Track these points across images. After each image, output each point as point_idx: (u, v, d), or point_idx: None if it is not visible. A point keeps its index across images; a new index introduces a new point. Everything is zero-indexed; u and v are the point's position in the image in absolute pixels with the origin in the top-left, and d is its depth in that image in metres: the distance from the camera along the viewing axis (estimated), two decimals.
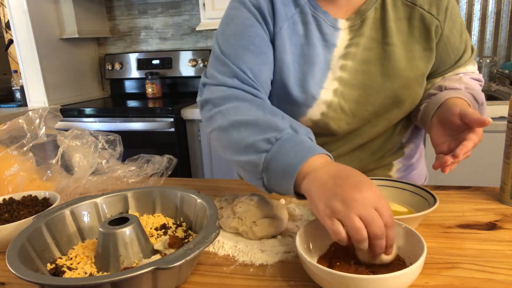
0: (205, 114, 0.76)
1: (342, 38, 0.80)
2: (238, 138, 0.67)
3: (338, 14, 0.80)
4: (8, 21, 2.58)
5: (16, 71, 2.60)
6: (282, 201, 0.82)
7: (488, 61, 2.26)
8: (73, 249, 0.63)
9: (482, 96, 0.82)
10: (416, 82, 0.81)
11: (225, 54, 0.77)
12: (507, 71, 2.13)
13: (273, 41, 0.79)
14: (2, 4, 2.89)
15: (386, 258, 0.53)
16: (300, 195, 0.60)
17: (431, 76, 0.86)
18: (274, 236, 0.68)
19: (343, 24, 0.80)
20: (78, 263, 0.59)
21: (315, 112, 0.80)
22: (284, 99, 0.81)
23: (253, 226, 0.67)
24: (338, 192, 0.51)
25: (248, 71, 0.75)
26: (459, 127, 0.69)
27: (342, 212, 0.49)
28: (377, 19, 0.79)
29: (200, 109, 0.78)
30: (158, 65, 2.68)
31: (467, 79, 0.84)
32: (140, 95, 2.78)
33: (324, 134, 0.84)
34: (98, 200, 0.69)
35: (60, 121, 0.93)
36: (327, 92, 0.79)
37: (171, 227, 0.68)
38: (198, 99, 0.79)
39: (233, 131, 0.68)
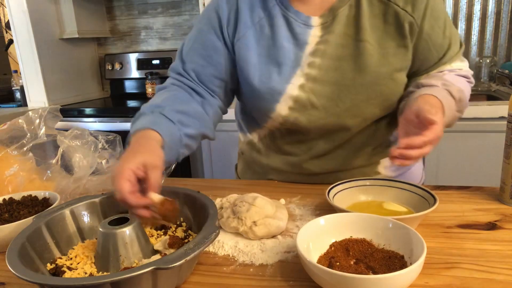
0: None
1: (313, 35, 0.82)
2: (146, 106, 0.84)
3: (312, 12, 0.82)
4: (8, 21, 2.58)
5: (16, 71, 2.60)
6: (282, 201, 0.82)
7: (488, 61, 2.26)
8: (73, 249, 0.63)
9: (461, 93, 0.80)
10: (389, 78, 0.81)
11: (182, 52, 0.91)
12: (507, 71, 2.13)
13: (233, 46, 0.87)
14: (2, 4, 2.89)
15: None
16: None
17: (415, 74, 0.86)
18: (274, 236, 0.68)
19: (315, 21, 0.82)
20: (78, 263, 0.59)
21: (282, 107, 0.84)
22: (253, 96, 0.87)
23: (253, 226, 0.67)
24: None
25: (191, 71, 0.88)
26: (416, 125, 0.69)
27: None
28: (351, 16, 0.81)
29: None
30: (158, 65, 2.68)
31: (450, 76, 0.83)
32: (140, 95, 2.78)
33: (299, 131, 0.87)
34: (98, 200, 0.69)
35: (60, 121, 0.93)
36: (293, 87, 0.82)
37: (171, 227, 0.68)
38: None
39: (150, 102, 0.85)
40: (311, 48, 0.82)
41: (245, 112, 0.99)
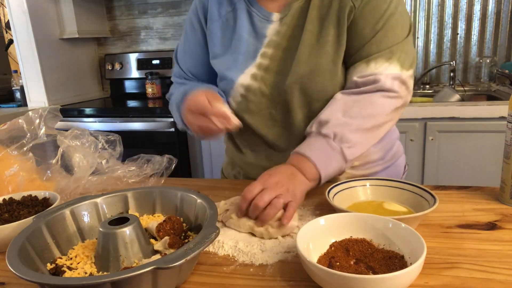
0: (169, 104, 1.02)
1: (272, 29, 0.86)
2: (172, 104, 0.98)
3: (274, 8, 0.86)
4: (8, 21, 2.58)
5: (16, 71, 2.60)
6: None
7: (488, 61, 2.26)
8: (73, 249, 0.63)
9: (340, 128, 0.76)
10: (325, 69, 0.81)
11: (177, 58, 1.02)
12: (507, 71, 2.13)
13: (206, 39, 0.95)
14: (2, 4, 2.89)
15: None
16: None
17: (344, 64, 0.84)
18: (275, 237, 0.68)
19: (276, 16, 0.86)
20: (78, 263, 0.59)
21: (235, 93, 0.90)
22: (219, 83, 0.95)
23: (268, 228, 0.68)
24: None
25: (188, 72, 1.00)
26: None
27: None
28: (302, 8, 0.83)
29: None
30: (158, 65, 2.68)
31: (361, 93, 0.79)
32: (140, 95, 2.78)
33: (247, 121, 0.91)
34: (98, 200, 0.69)
35: (60, 121, 0.93)
36: (245, 77, 0.87)
37: None
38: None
39: (172, 103, 0.97)
40: (267, 40, 0.86)
41: None
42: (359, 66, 0.81)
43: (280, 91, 0.86)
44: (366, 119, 0.78)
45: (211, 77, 0.97)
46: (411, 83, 0.82)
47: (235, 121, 0.80)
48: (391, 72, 0.78)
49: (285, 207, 0.68)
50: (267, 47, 0.86)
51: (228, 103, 0.92)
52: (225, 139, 1.07)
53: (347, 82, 0.84)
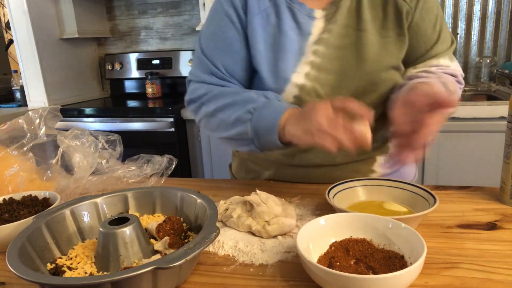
0: (191, 108, 0.90)
1: (317, 26, 0.84)
2: (224, 118, 0.81)
3: (315, 5, 0.85)
4: (8, 21, 2.58)
5: (16, 71, 2.60)
6: (282, 200, 0.82)
7: (488, 61, 2.26)
8: (73, 249, 0.63)
9: (453, 86, 0.82)
10: (390, 67, 0.83)
11: (205, 54, 0.88)
12: (507, 71, 2.13)
13: (246, 33, 0.87)
14: (2, 4, 2.89)
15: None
16: (285, 144, 0.74)
17: (404, 64, 0.87)
18: (274, 236, 0.68)
19: (319, 13, 0.84)
20: (78, 263, 0.59)
21: (288, 95, 0.84)
22: (261, 84, 0.87)
23: (266, 226, 0.68)
24: (305, 119, 0.67)
25: (223, 69, 0.87)
26: (423, 107, 0.67)
27: (313, 126, 0.64)
28: (352, 7, 0.83)
29: (187, 106, 0.92)
30: (158, 65, 2.68)
31: (439, 73, 0.85)
32: (140, 95, 2.78)
33: None
34: (98, 200, 0.69)
35: (60, 121, 0.93)
36: (299, 76, 0.83)
37: None
38: (185, 97, 0.92)
39: (218, 114, 0.82)
40: (314, 37, 0.84)
41: None
42: (430, 62, 0.86)
43: (340, 90, 0.83)
44: (453, 88, 0.83)
45: (247, 76, 0.90)
46: None
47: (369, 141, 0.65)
48: (459, 69, 0.89)
49: None
50: (317, 44, 0.83)
51: None
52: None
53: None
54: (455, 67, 0.88)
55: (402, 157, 0.65)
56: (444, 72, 0.85)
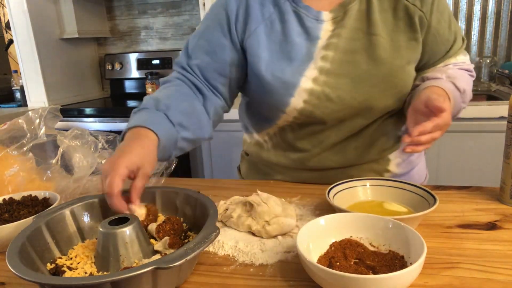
0: None
1: (325, 30, 0.83)
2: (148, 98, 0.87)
3: (322, 6, 0.84)
4: (8, 21, 2.58)
5: (16, 71, 2.60)
6: (282, 200, 0.82)
7: (488, 61, 2.25)
8: (73, 249, 0.63)
9: (465, 84, 0.84)
10: (402, 70, 0.83)
11: (188, 48, 0.91)
12: (507, 71, 2.13)
13: (242, 42, 0.87)
14: (2, 4, 2.89)
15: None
16: None
17: (423, 67, 0.89)
18: (274, 236, 0.68)
19: (326, 16, 0.83)
20: (78, 263, 0.59)
21: (297, 100, 0.83)
22: (265, 92, 0.86)
23: (266, 225, 0.68)
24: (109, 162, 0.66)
25: (195, 67, 0.89)
26: (425, 113, 0.72)
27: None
28: (361, 10, 0.82)
29: None
30: (158, 65, 2.68)
31: (454, 70, 0.86)
32: (140, 95, 2.78)
33: (313, 122, 0.87)
34: (98, 200, 0.69)
35: (60, 121, 0.93)
36: (307, 80, 0.82)
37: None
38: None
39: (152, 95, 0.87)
40: (323, 42, 0.83)
41: (252, 112, 0.99)
42: (449, 61, 0.88)
43: (352, 93, 0.82)
44: (468, 95, 0.87)
45: (222, 83, 0.90)
46: None
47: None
48: (469, 62, 0.91)
49: None
50: (326, 49, 0.82)
51: (287, 112, 0.86)
52: (250, 144, 1.02)
53: (416, 79, 0.88)
54: (468, 61, 0.91)
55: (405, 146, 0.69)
56: (460, 68, 0.88)
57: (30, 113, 0.89)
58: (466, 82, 0.85)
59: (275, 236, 0.68)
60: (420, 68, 0.88)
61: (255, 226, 0.69)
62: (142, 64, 2.73)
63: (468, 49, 2.32)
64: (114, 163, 0.63)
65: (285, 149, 0.95)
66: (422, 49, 0.84)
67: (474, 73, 0.92)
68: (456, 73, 0.85)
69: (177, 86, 0.87)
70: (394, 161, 0.92)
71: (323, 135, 0.89)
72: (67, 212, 0.65)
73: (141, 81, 2.77)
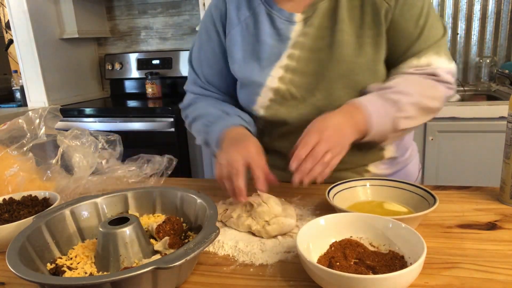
0: (182, 115, 1.02)
1: (296, 30, 0.84)
2: (195, 128, 0.95)
3: (295, 9, 0.85)
4: (8, 21, 2.58)
5: (16, 71, 2.60)
6: (282, 200, 0.82)
7: (488, 61, 2.26)
8: (73, 249, 0.63)
9: (408, 92, 0.76)
10: (365, 68, 0.82)
11: (191, 65, 1.00)
12: (507, 71, 2.13)
13: (224, 46, 0.93)
14: (2, 4, 2.89)
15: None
16: None
17: (387, 65, 0.85)
18: (274, 236, 0.68)
19: (298, 17, 0.84)
20: (78, 263, 0.59)
21: (263, 99, 0.88)
22: (240, 90, 0.93)
23: (266, 225, 0.68)
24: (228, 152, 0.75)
25: (203, 79, 0.97)
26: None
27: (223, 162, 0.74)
28: (329, 8, 0.82)
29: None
30: (158, 65, 2.68)
31: (404, 77, 0.80)
32: (140, 95, 2.78)
33: (282, 123, 0.89)
34: (98, 200, 0.69)
35: (60, 121, 0.93)
36: (273, 80, 0.85)
37: None
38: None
39: (192, 124, 0.96)
40: (292, 42, 0.84)
41: None
42: (411, 61, 0.82)
43: (314, 92, 0.84)
44: (426, 99, 0.79)
45: (228, 85, 0.96)
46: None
47: (243, 199, 0.72)
48: (444, 66, 0.82)
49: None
50: (293, 48, 0.84)
51: (255, 111, 0.90)
52: None
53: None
54: (440, 64, 0.81)
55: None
56: (422, 73, 0.81)
57: (30, 113, 0.89)
58: (415, 90, 0.77)
59: (275, 236, 0.68)
60: (387, 66, 0.84)
61: (255, 226, 0.69)
62: (142, 64, 2.73)
63: (468, 49, 2.32)
64: (235, 156, 0.73)
65: (266, 150, 0.95)
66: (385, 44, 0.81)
67: (445, 79, 0.81)
68: (401, 82, 0.78)
69: (209, 100, 0.96)
70: (373, 166, 0.92)
71: (294, 137, 0.87)
72: (67, 212, 0.65)
73: (141, 81, 2.77)
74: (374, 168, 0.92)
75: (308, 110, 0.85)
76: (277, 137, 0.92)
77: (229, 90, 0.97)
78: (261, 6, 0.87)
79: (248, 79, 0.88)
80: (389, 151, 0.92)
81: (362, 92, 0.82)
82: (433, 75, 0.81)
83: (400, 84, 0.79)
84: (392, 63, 0.85)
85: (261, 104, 0.88)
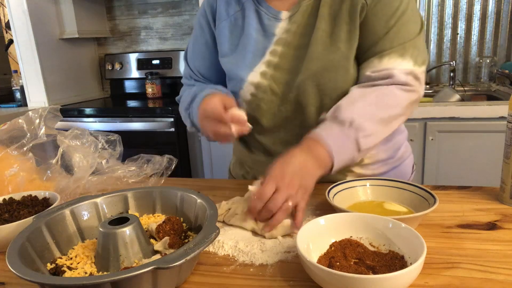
0: (179, 108, 1.02)
1: (280, 27, 0.86)
2: (183, 116, 0.98)
3: (283, 6, 0.86)
4: (8, 21, 2.58)
5: (16, 71, 2.60)
6: None
7: (488, 61, 2.26)
8: (73, 249, 0.63)
9: (360, 110, 0.75)
10: (338, 65, 0.82)
11: (186, 59, 1.03)
12: (507, 71, 2.13)
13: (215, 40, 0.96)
14: (2, 4, 2.89)
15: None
16: None
17: (357, 62, 0.84)
18: (275, 236, 0.68)
19: (285, 15, 0.86)
20: (78, 263, 0.59)
21: (245, 93, 0.90)
22: (228, 83, 0.96)
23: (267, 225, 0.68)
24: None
25: (197, 72, 1.01)
26: None
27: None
28: (312, 6, 0.84)
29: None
30: (158, 65, 2.68)
31: (358, 91, 0.80)
32: (140, 95, 2.78)
33: (260, 118, 0.91)
34: (98, 200, 0.69)
35: (60, 121, 0.93)
36: (255, 75, 0.87)
37: None
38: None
39: (182, 110, 0.97)
40: (276, 38, 0.86)
41: None
42: (372, 62, 0.81)
43: (292, 89, 0.86)
44: (383, 109, 0.77)
45: (220, 78, 0.98)
46: (424, 79, 0.82)
47: (249, 126, 0.79)
48: (404, 68, 0.79)
49: (293, 209, 0.68)
50: (276, 45, 0.86)
51: (238, 104, 0.91)
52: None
53: (360, 77, 0.83)
54: (400, 65, 0.78)
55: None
56: (377, 77, 0.79)
57: (30, 113, 0.89)
58: (367, 103, 0.76)
59: (276, 237, 0.68)
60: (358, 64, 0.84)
61: (259, 225, 0.69)
62: (142, 64, 2.73)
63: (468, 49, 2.32)
64: (205, 101, 0.82)
65: (254, 145, 0.98)
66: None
67: (401, 80, 0.78)
68: (351, 100, 0.77)
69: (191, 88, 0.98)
70: (358, 167, 0.91)
71: (276, 134, 0.92)
72: (67, 212, 0.65)
73: (141, 81, 2.77)
74: (359, 168, 0.91)
75: (287, 107, 0.88)
76: (260, 132, 0.94)
77: (222, 83, 0.98)
78: (250, 2, 0.89)
79: (232, 72, 0.91)
80: (381, 153, 0.91)
81: (336, 90, 0.82)
82: (387, 78, 0.79)
83: (350, 102, 0.77)
84: (359, 60, 0.84)
85: (243, 97, 0.90)
